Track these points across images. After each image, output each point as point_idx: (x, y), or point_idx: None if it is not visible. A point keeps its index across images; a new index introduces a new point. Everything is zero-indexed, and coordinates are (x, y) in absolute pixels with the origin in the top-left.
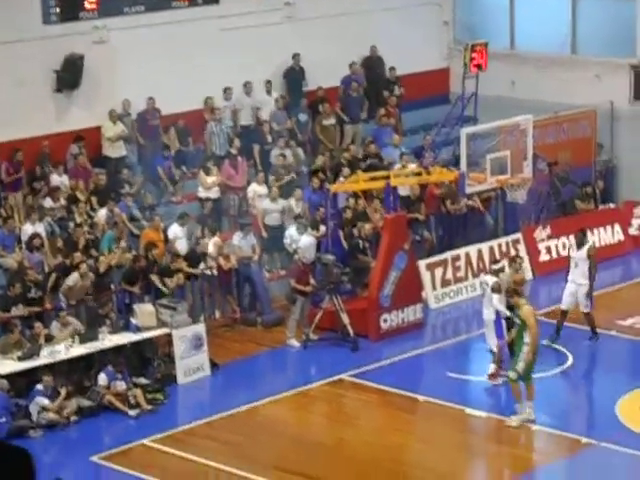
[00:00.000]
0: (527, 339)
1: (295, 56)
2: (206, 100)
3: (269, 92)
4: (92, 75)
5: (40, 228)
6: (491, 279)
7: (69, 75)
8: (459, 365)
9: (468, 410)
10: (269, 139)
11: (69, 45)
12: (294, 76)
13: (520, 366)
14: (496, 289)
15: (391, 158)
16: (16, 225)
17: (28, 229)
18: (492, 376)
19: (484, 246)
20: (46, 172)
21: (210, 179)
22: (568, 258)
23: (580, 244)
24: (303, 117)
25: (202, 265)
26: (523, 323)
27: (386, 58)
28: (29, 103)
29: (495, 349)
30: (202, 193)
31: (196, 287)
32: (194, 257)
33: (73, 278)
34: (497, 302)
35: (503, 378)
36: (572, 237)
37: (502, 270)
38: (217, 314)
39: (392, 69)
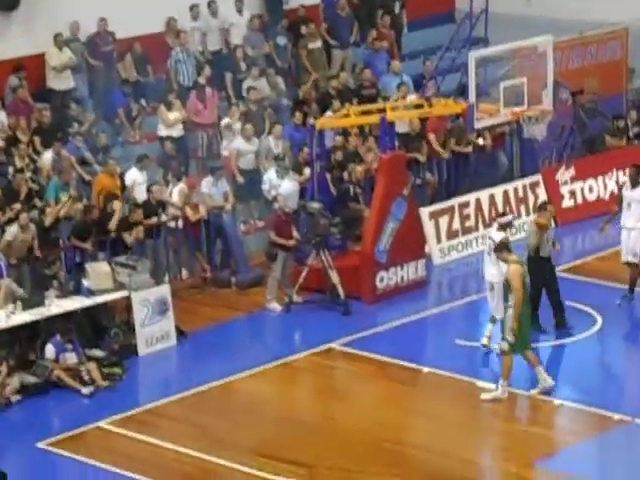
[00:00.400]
0: (511, 302)
1: None
2: (169, 21)
3: (240, 11)
4: None
5: None
6: (498, 235)
7: None
8: (469, 331)
9: (480, 383)
10: (243, 67)
11: None
12: None
13: (509, 336)
14: (503, 247)
15: (388, 88)
16: None
17: None
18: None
19: (497, 190)
20: None
21: (172, 115)
22: (617, 198)
23: (635, 182)
24: (282, 40)
25: (164, 216)
26: (507, 283)
27: None
28: None
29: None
30: (163, 131)
31: (159, 242)
32: (152, 207)
33: (11, 231)
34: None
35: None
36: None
37: (510, 225)
38: (184, 273)
39: None
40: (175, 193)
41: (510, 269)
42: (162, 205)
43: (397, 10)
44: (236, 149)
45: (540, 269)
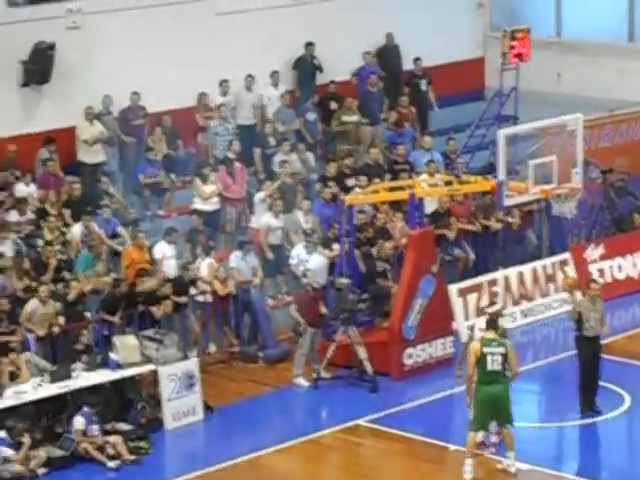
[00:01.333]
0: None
1: (308, 45)
2: (200, 96)
3: (276, 85)
4: (65, 67)
5: (6, 247)
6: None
7: (38, 67)
8: None
9: (506, 461)
10: (272, 142)
11: (38, 32)
12: (306, 68)
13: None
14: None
15: (417, 164)
16: None
17: None
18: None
19: (526, 268)
20: (10, 181)
21: (209, 188)
22: None
23: None
24: (311, 116)
25: (193, 290)
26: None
27: (409, 47)
28: None
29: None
30: (198, 204)
31: (187, 316)
32: (182, 282)
33: (31, 305)
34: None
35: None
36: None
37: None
38: (212, 348)
39: (417, 59)
40: (204, 267)
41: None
42: (193, 282)
43: (424, 87)
44: (266, 224)
45: (587, 348)
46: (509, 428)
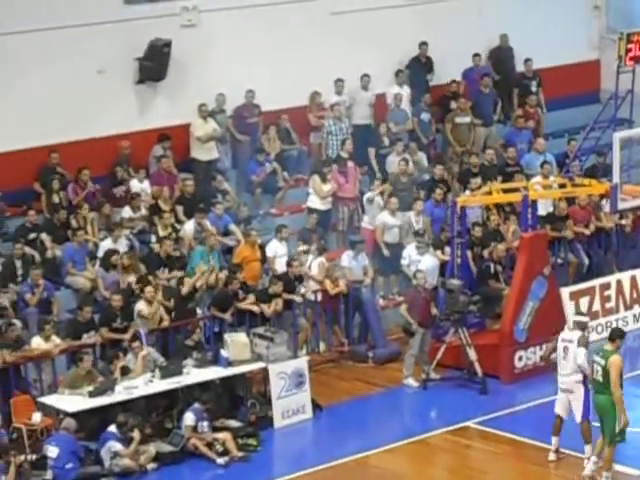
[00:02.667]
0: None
1: (422, 45)
2: (312, 95)
3: (401, 85)
4: (180, 64)
5: (119, 243)
6: (574, 334)
7: (153, 64)
8: None
9: (618, 467)
10: (385, 141)
11: (154, 29)
12: (419, 68)
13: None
14: (582, 343)
15: (531, 167)
16: (88, 238)
17: (106, 244)
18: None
19: (639, 272)
20: (125, 177)
21: (326, 187)
22: None
23: None
24: (426, 116)
25: (303, 289)
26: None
27: (523, 49)
28: (106, 96)
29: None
30: (314, 203)
31: (297, 315)
32: (291, 280)
33: (140, 305)
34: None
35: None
36: None
37: (585, 326)
38: (321, 347)
39: (528, 60)
40: (315, 266)
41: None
42: (299, 278)
43: (534, 88)
44: (382, 222)
45: None
46: (606, 442)
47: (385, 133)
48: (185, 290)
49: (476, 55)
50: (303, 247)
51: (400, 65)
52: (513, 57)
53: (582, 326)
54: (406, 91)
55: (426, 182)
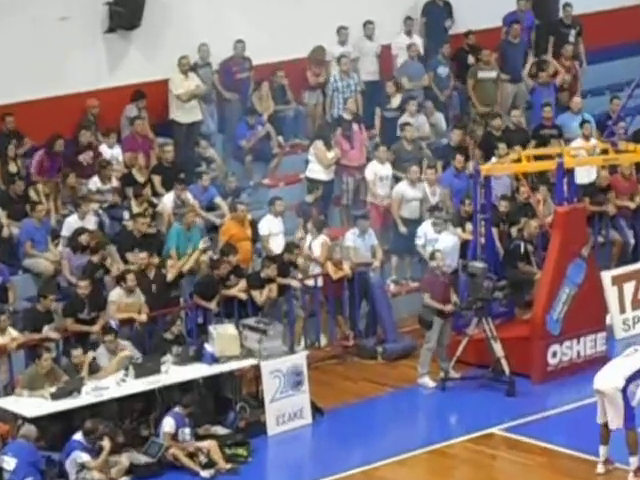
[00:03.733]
0: None
1: None
2: (315, 50)
3: (409, 33)
4: (157, 9)
5: (87, 220)
6: None
7: (126, 9)
8: None
9: None
10: (394, 101)
11: None
12: (435, 14)
13: None
14: None
15: (566, 129)
16: (49, 213)
17: (71, 221)
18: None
19: None
20: (93, 141)
21: (331, 154)
22: None
23: None
24: (444, 71)
25: (299, 274)
26: None
27: None
28: (71, 47)
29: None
30: (315, 173)
31: (294, 303)
32: (285, 262)
33: (115, 294)
34: None
35: None
36: None
37: None
38: (323, 340)
39: (567, 5)
40: (316, 246)
41: None
42: (292, 263)
43: (572, 39)
44: (401, 194)
45: None
46: None
47: (395, 91)
48: (171, 275)
49: None
50: (301, 232)
51: (411, 11)
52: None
53: None
54: (417, 41)
55: (443, 148)
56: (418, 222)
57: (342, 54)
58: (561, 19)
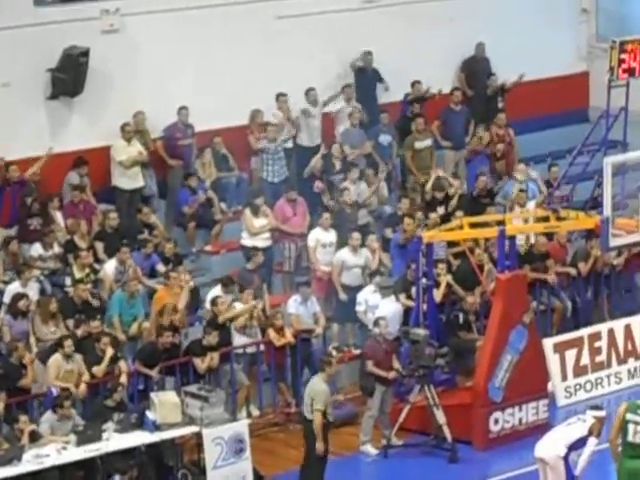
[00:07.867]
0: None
1: (367, 54)
2: (253, 114)
3: (349, 100)
4: (99, 77)
5: (30, 289)
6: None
7: (68, 76)
8: None
9: None
10: (337, 166)
11: (69, 35)
12: (364, 82)
13: None
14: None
15: (507, 197)
16: None
17: (13, 289)
18: None
19: (634, 321)
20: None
21: (259, 222)
22: None
23: None
24: (385, 139)
25: (244, 339)
26: None
27: (499, 60)
28: (14, 113)
29: None
30: (247, 240)
31: (235, 370)
32: (225, 330)
33: (54, 360)
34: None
35: None
36: None
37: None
38: (254, 411)
39: (492, 75)
40: (239, 308)
41: None
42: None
43: (500, 104)
44: (341, 261)
45: None
46: None
47: (338, 156)
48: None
49: None
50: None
51: (346, 79)
52: (490, 68)
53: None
54: (357, 107)
55: (390, 215)
56: (359, 289)
57: (278, 121)
58: (502, 85)
